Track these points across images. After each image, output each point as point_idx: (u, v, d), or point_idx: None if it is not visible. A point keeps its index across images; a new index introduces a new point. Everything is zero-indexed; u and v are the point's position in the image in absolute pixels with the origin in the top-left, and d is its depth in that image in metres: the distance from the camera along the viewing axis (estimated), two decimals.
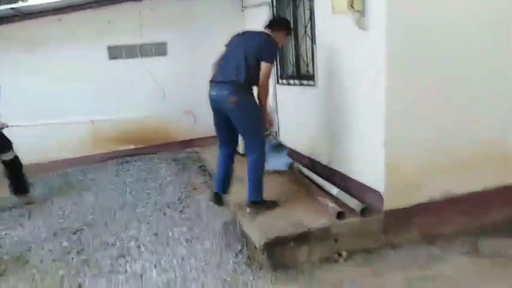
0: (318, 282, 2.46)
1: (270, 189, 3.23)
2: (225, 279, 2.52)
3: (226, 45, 3.02)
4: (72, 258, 2.91)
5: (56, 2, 4.91)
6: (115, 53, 5.47)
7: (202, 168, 4.90)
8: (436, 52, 2.60)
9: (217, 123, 3.06)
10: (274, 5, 4.36)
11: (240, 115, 2.84)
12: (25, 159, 4.49)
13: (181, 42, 5.64)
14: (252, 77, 2.81)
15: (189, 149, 5.73)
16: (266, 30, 2.99)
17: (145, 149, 5.66)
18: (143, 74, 5.53)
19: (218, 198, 3.15)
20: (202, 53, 5.17)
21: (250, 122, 2.89)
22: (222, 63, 2.93)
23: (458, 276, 2.41)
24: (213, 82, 2.93)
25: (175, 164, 5.14)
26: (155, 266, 2.72)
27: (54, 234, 3.34)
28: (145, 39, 5.50)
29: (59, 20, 5.13)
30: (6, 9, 4.63)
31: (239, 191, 3.22)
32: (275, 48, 2.93)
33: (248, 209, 2.99)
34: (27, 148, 4.54)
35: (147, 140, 5.64)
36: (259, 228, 2.77)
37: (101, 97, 5.41)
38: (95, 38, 5.31)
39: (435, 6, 2.51)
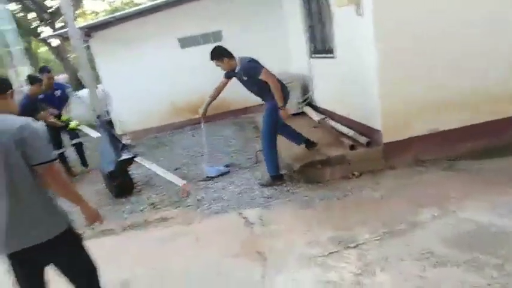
0: (337, 189, 3.82)
1: (310, 136, 4.53)
2: (275, 188, 3.99)
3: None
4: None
5: (139, 8, 6.55)
6: (184, 43, 7.02)
7: (255, 128, 6.39)
8: (411, 24, 3.65)
9: None
10: None
11: None
12: (129, 128, 6.28)
13: (232, 29, 7.01)
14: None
15: (244, 115, 7.23)
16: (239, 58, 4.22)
17: (212, 117, 7.23)
18: (206, 57, 7.01)
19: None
20: (249, 35, 6.54)
21: None
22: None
23: (432, 180, 3.64)
24: None
25: (235, 126, 6.68)
26: (231, 184, 4.28)
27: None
28: (205, 29, 6.97)
29: (143, 21, 6.75)
30: (109, 17, 6.35)
31: None
32: (251, 66, 4.01)
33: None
34: (131, 121, 6.32)
35: (212, 110, 7.19)
36: (298, 158, 4.19)
37: (176, 78, 7.04)
38: (169, 32, 6.89)
39: None
